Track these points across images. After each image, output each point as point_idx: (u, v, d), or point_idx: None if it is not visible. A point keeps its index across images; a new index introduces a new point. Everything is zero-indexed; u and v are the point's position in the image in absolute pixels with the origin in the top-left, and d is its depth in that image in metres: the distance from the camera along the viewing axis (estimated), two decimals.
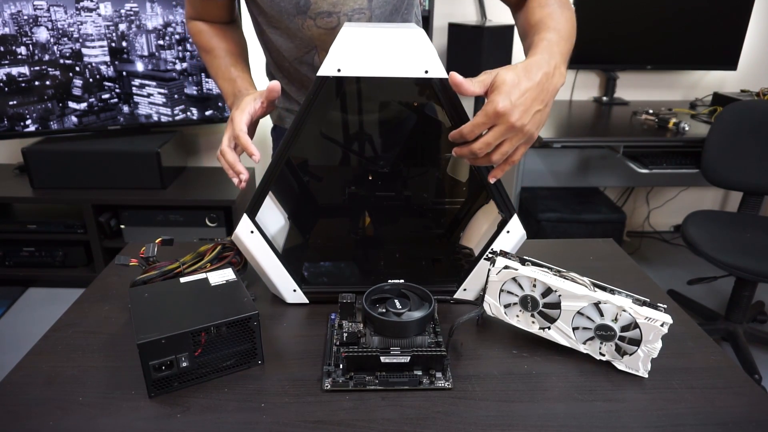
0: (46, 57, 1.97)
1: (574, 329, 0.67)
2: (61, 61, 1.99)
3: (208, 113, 2.22)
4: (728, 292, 1.93)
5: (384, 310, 0.66)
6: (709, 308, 2.09)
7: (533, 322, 0.69)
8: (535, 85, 0.64)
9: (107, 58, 2.04)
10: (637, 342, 0.64)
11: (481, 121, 0.63)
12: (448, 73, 0.66)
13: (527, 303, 0.68)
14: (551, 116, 2.27)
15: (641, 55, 2.36)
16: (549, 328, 0.68)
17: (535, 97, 0.64)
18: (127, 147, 2.08)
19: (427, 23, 2.28)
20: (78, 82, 2.04)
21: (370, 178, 0.90)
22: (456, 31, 2.20)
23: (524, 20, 0.82)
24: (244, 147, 0.75)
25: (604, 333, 0.65)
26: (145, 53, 2.08)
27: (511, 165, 0.69)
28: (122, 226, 2.16)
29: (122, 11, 2.00)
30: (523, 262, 0.69)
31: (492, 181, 0.71)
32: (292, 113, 1.07)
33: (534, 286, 0.67)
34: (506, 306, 0.70)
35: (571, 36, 0.75)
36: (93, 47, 2.01)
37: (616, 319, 0.64)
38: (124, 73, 2.08)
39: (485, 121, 0.63)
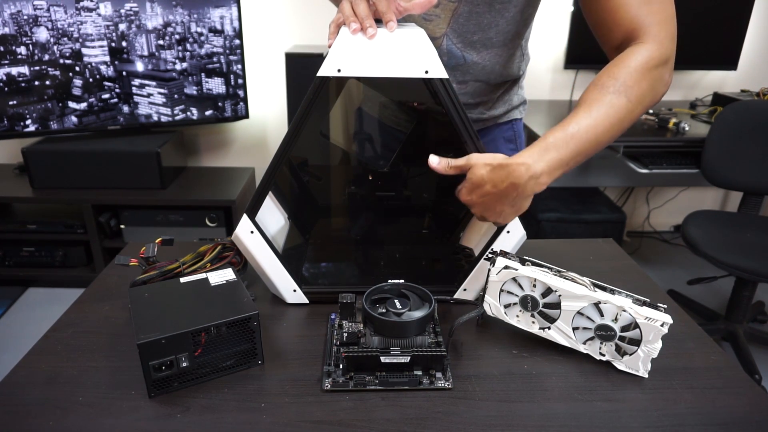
0: (46, 57, 1.97)
1: (574, 329, 0.67)
2: (61, 61, 1.99)
3: (208, 113, 2.22)
4: (728, 292, 1.93)
5: (384, 310, 0.66)
6: (709, 308, 2.09)
7: (533, 322, 0.69)
8: (499, 192, 0.67)
9: (107, 58, 2.04)
10: (637, 342, 0.64)
11: (458, 196, 0.71)
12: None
13: (527, 303, 0.68)
14: (552, 116, 2.27)
15: None
16: (549, 328, 0.68)
17: (497, 201, 0.68)
18: (127, 147, 2.08)
19: None
20: (78, 82, 2.04)
21: (370, 178, 0.90)
22: None
23: (590, 86, 0.74)
24: (382, 12, 0.68)
25: (604, 333, 0.65)
26: (145, 53, 2.08)
27: None
28: (122, 226, 2.16)
29: (122, 11, 2.00)
30: (523, 262, 0.69)
31: None
32: None
33: (534, 286, 0.67)
34: (506, 306, 0.70)
35: (597, 137, 0.69)
36: (93, 47, 2.01)
37: (616, 319, 0.64)
38: (124, 73, 2.08)
39: (464, 199, 0.70)
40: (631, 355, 0.65)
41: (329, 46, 0.71)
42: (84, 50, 2.00)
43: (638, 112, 0.73)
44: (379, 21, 0.70)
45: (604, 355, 0.67)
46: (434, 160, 0.70)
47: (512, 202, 0.68)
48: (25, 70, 1.96)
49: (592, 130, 0.69)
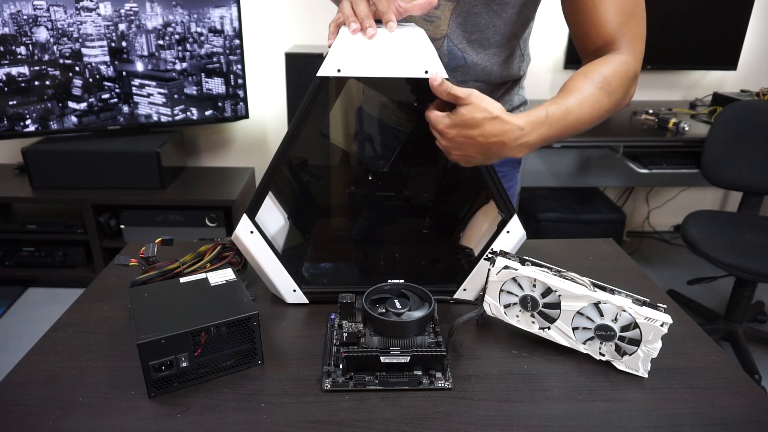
0: (46, 57, 1.97)
1: (574, 329, 0.67)
2: (61, 61, 1.99)
3: (208, 113, 2.22)
4: (728, 292, 1.93)
5: (384, 310, 0.66)
6: (709, 308, 2.09)
7: (533, 322, 0.69)
8: (483, 143, 0.66)
9: (107, 58, 2.04)
10: (637, 342, 0.64)
11: (429, 120, 0.70)
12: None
13: (527, 303, 0.68)
14: None
15: None
16: (549, 328, 0.68)
17: (474, 148, 0.67)
18: (127, 147, 2.08)
19: None
20: (78, 82, 2.04)
21: (370, 178, 0.90)
22: None
23: (571, 76, 0.77)
24: (382, 12, 0.68)
25: (604, 333, 0.65)
26: (145, 53, 2.08)
27: None
28: (122, 226, 2.16)
29: (122, 11, 2.00)
30: (523, 262, 0.69)
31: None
32: None
33: (534, 286, 0.67)
34: (506, 306, 0.70)
35: (580, 124, 0.73)
36: (93, 47, 2.01)
37: (616, 319, 0.64)
38: (124, 73, 2.08)
39: (430, 122, 0.70)
40: (630, 355, 0.65)
41: (329, 46, 0.71)
42: (84, 50, 2.00)
43: (610, 114, 0.77)
44: (379, 21, 0.70)
45: (603, 355, 0.67)
46: (437, 79, 0.67)
47: (487, 156, 0.68)
48: (25, 70, 1.96)
49: (578, 118, 0.72)
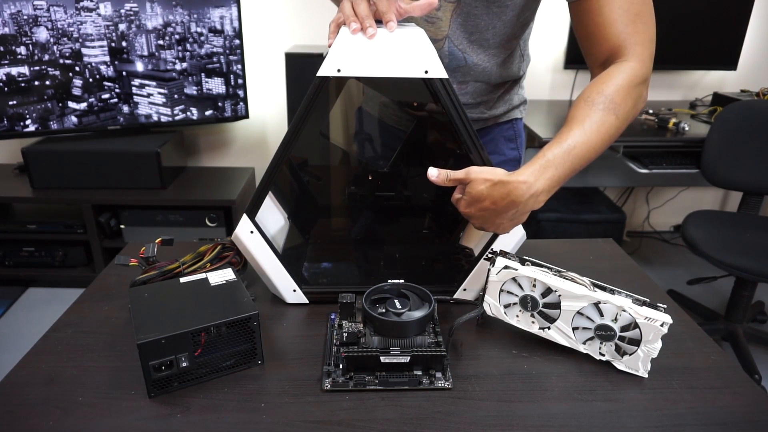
0: (46, 57, 1.97)
1: (574, 329, 0.67)
2: (61, 61, 1.99)
3: (208, 113, 2.22)
4: (728, 292, 1.93)
5: (384, 310, 0.66)
6: (709, 308, 2.09)
7: (533, 322, 0.69)
8: (498, 209, 0.67)
9: (107, 58, 2.04)
10: (636, 342, 0.64)
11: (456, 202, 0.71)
12: None
13: (527, 303, 0.68)
14: (552, 116, 2.27)
15: None
16: (549, 328, 0.68)
17: (495, 215, 0.68)
18: (127, 147, 2.08)
19: None
20: (78, 82, 2.04)
21: (370, 178, 0.90)
22: None
23: (575, 102, 0.76)
24: (383, 12, 0.68)
25: (603, 333, 0.65)
26: (145, 53, 2.08)
27: None
28: (122, 226, 2.16)
29: (122, 11, 2.00)
30: (523, 262, 0.69)
31: None
32: None
33: (534, 286, 0.67)
34: (506, 306, 0.70)
35: (590, 153, 0.72)
36: (93, 47, 2.01)
37: (615, 319, 0.64)
38: (124, 73, 2.08)
39: (463, 210, 0.70)
40: (630, 355, 0.65)
41: (329, 46, 0.71)
42: (84, 50, 2.00)
43: (623, 128, 0.75)
44: (379, 21, 0.70)
45: (603, 355, 0.67)
46: (433, 173, 0.69)
47: (511, 217, 0.69)
48: (25, 70, 1.96)
49: (586, 147, 0.71)
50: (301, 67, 2.03)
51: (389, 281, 0.71)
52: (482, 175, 0.67)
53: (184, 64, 2.12)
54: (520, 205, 0.67)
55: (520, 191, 0.66)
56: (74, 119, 2.07)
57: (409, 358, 0.63)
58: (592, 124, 0.71)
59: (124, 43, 2.04)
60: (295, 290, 0.78)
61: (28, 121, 2.02)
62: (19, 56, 1.93)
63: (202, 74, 2.16)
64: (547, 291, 0.66)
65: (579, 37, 0.82)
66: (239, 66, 2.18)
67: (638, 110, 0.77)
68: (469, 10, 0.85)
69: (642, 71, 0.76)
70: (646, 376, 0.65)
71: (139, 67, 2.09)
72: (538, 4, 0.88)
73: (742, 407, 0.61)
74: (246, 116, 2.28)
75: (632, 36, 0.76)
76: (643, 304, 0.63)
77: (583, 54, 0.83)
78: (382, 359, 0.62)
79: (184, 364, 0.60)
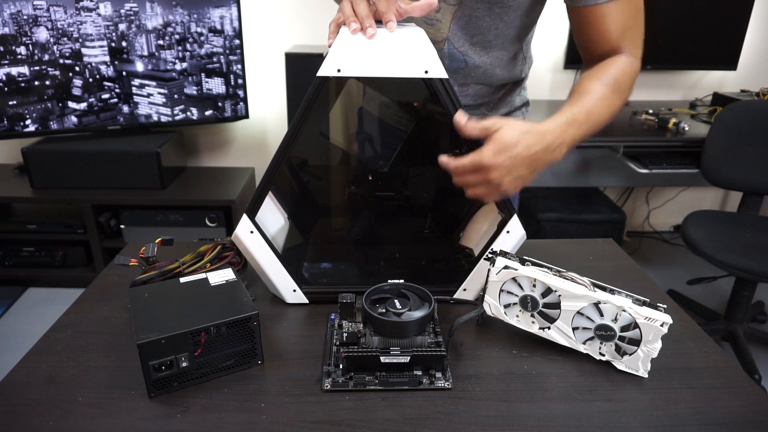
0: (46, 57, 1.97)
1: (574, 329, 0.67)
2: (61, 61, 1.99)
3: (208, 113, 2.22)
4: (728, 292, 1.93)
5: (384, 310, 0.66)
6: (709, 308, 2.09)
7: (533, 322, 0.69)
8: (529, 155, 0.67)
9: (107, 58, 2.04)
10: (636, 342, 0.64)
11: (468, 167, 0.67)
12: None
13: (527, 303, 0.68)
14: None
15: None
16: (549, 328, 0.68)
17: (523, 164, 0.67)
18: (127, 147, 2.08)
19: None
20: (78, 82, 2.04)
21: (370, 178, 0.90)
22: None
23: (581, 79, 0.82)
24: (382, 12, 0.68)
25: (603, 333, 0.65)
26: (145, 53, 2.08)
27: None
28: (122, 226, 2.16)
29: (122, 11, 2.00)
30: (523, 262, 0.69)
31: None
32: None
33: (534, 286, 0.67)
34: (506, 306, 0.70)
35: (599, 124, 0.77)
36: (93, 47, 2.01)
37: (615, 319, 0.64)
38: (124, 73, 2.08)
39: (470, 168, 0.66)
40: (630, 355, 0.65)
41: (329, 46, 0.71)
42: (84, 50, 2.00)
43: (619, 112, 0.82)
44: (379, 22, 0.70)
45: (603, 355, 0.67)
46: (462, 119, 0.67)
47: (535, 167, 0.69)
48: (25, 70, 1.96)
49: (597, 119, 0.76)
50: (301, 67, 2.03)
51: (389, 281, 0.70)
52: (513, 123, 0.67)
53: (184, 64, 2.12)
54: (548, 152, 0.68)
55: (552, 137, 0.68)
56: (74, 119, 2.07)
57: (409, 358, 0.63)
58: (603, 98, 0.77)
59: (124, 43, 2.04)
60: (295, 290, 0.78)
61: (28, 121, 2.02)
62: (19, 56, 1.93)
63: (202, 74, 2.16)
64: (547, 291, 0.66)
65: (577, 37, 0.86)
66: (239, 66, 2.18)
67: (627, 98, 0.83)
68: (470, 13, 0.85)
69: (637, 66, 0.83)
70: (646, 376, 0.65)
71: (139, 67, 2.09)
72: (543, 5, 0.88)
73: (742, 407, 0.61)
74: (246, 116, 2.28)
75: (628, 38, 0.82)
76: (643, 304, 0.63)
77: (579, 50, 0.87)
78: (382, 359, 0.62)
79: (184, 364, 0.60)
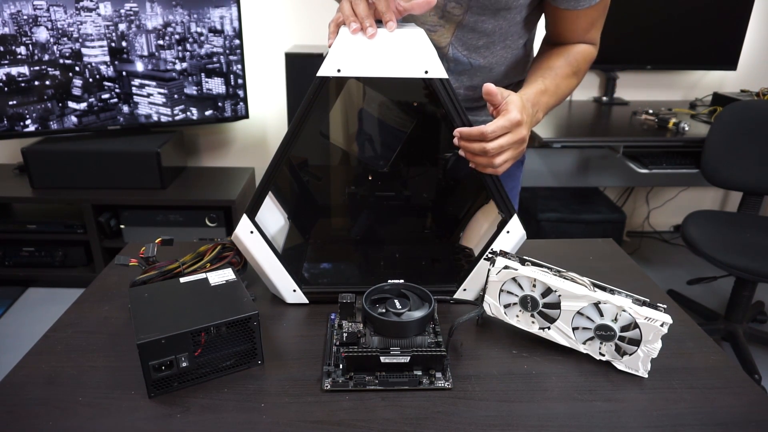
0: (46, 57, 1.97)
1: (574, 329, 0.67)
2: (61, 61, 1.99)
3: (208, 113, 2.22)
4: (728, 292, 1.93)
5: (384, 310, 0.66)
6: (709, 308, 2.09)
7: (533, 322, 0.69)
8: (527, 127, 0.72)
9: (107, 58, 2.04)
10: (636, 342, 0.64)
11: (505, 125, 0.68)
12: None
13: (527, 303, 0.68)
14: (551, 116, 2.26)
15: (641, 55, 2.36)
16: (549, 328, 0.68)
17: (518, 145, 0.71)
18: (127, 147, 2.08)
19: None
20: (78, 82, 2.04)
21: (370, 178, 0.90)
22: None
23: (548, 54, 0.90)
24: (382, 11, 0.69)
25: (603, 333, 0.65)
26: (145, 53, 2.08)
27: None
28: (122, 226, 2.16)
29: (122, 11, 2.00)
30: (522, 262, 0.69)
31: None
32: None
33: (534, 286, 0.67)
34: (506, 306, 0.70)
35: (562, 98, 0.87)
36: (93, 47, 2.01)
37: (615, 319, 0.64)
38: (124, 73, 2.08)
39: (507, 126, 0.68)
40: (630, 355, 0.65)
41: (329, 46, 0.71)
42: (84, 50, 2.00)
43: (573, 92, 0.92)
44: (379, 21, 0.70)
45: (603, 355, 0.67)
46: (493, 88, 0.69)
47: (530, 127, 0.75)
48: (25, 70, 1.96)
49: (562, 92, 0.86)
50: (301, 67, 2.03)
51: (389, 281, 0.70)
52: (513, 99, 0.70)
53: (184, 64, 2.12)
54: (531, 119, 0.74)
55: (529, 107, 0.74)
56: (74, 119, 2.07)
57: (409, 358, 0.63)
58: (568, 77, 0.87)
59: (124, 43, 2.04)
60: (295, 290, 0.78)
61: (28, 121, 2.02)
62: (19, 56, 1.93)
63: (202, 74, 2.16)
64: (547, 291, 0.66)
65: (549, 27, 0.93)
66: (239, 66, 2.18)
67: (567, 96, 0.91)
68: (476, 19, 0.86)
69: (595, 53, 0.93)
70: (646, 376, 0.65)
71: (139, 67, 2.09)
72: (543, 6, 0.89)
73: (742, 407, 0.61)
74: (246, 116, 2.28)
75: (594, 33, 0.92)
76: (643, 304, 0.63)
77: (547, 31, 0.95)
78: (382, 359, 0.62)
79: (184, 364, 0.60)
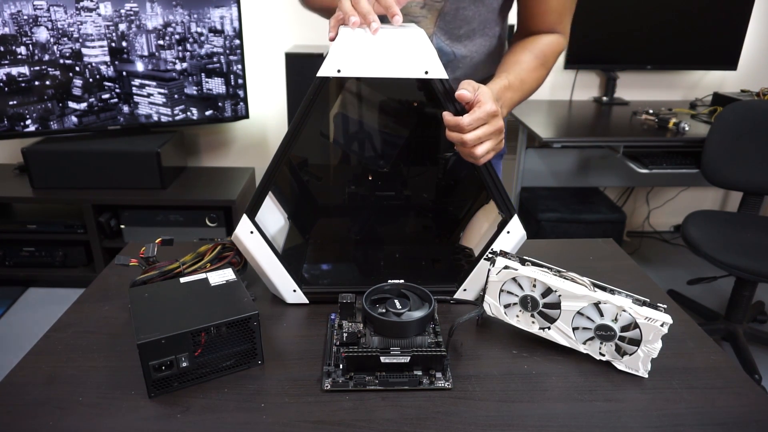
0: (46, 57, 1.97)
1: (574, 329, 0.67)
2: (61, 61, 1.99)
3: (208, 113, 2.22)
4: (728, 292, 1.93)
5: (384, 310, 0.66)
6: (709, 308, 2.09)
7: (533, 322, 0.69)
8: (501, 118, 0.73)
9: (107, 58, 2.04)
10: (637, 342, 0.64)
11: (480, 116, 0.68)
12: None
13: (527, 303, 0.68)
14: (552, 116, 2.27)
15: (641, 55, 2.36)
16: (549, 328, 0.68)
17: (496, 136, 0.72)
18: (127, 147, 2.08)
19: None
20: (78, 82, 2.04)
21: (370, 178, 0.90)
22: None
23: (513, 49, 0.93)
24: (388, 5, 0.69)
25: (604, 333, 0.65)
26: (145, 53, 2.08)
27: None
28: (122, 226, 2.16)
29: (122, 11, 2.00)
30: (523, 262, 0.69)
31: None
32: None
33: (534, 286, 0.67)
34: (506, 306, 0.70)
35: (530, 92, 0.89)
36: (93, 47, 2.01)
37: (616, 319, 0.64)
38: (124, 73, 2.08)
39: (483, 117, 0.68)
40: (631, 355, 0.65)
41: (331, 40, 0.71)
42: (84, 50, 2.00)
43: (543, 83, 0.93)
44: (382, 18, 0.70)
45: (604, 355, 0.67)
46: (466, 95, 0.69)
47: (503, 130, 0.75)
48: (25, 70, 1.96)
49: (529, 86, 0.88)
50: (301, 67, 2.03)
51: (389, 281, 0.70)
52: (485, 90, 0.71)
53: (184, 64, 2.13)
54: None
55: (496, 98, 0.75)
56: (74, 119, 2.08)
57: (409, 358, 0.63)
58: (533, 69, 0.89)
59: (124, 43, 2.04)
60: (295, 290, 0.78)
61: (28, 121, 2.02)
62: (19, 56, 1.93)
63: (202, 74, 2.16)
64: (547, 291, 0.66)
65: (520, 14, 0.96)
66: (239, 66, 2.18)
67: (550, 70, 0.94)
68: (457, 5, 0.89)
69: (564, 44, 0.95)
70: (646, 376, 0.65)
71: (139, 67, 2.09)
72: None
73: (742, 407, 0.61)
74: (246, 116, 2.28)
75: (565, 21, 0.94)
76: (643, 304, 0.63)
77: (519, 22, 0.97)
78: (382, 359, 0.62)
79: (184, 364, 0.60)
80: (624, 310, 0.63)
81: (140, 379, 0.60)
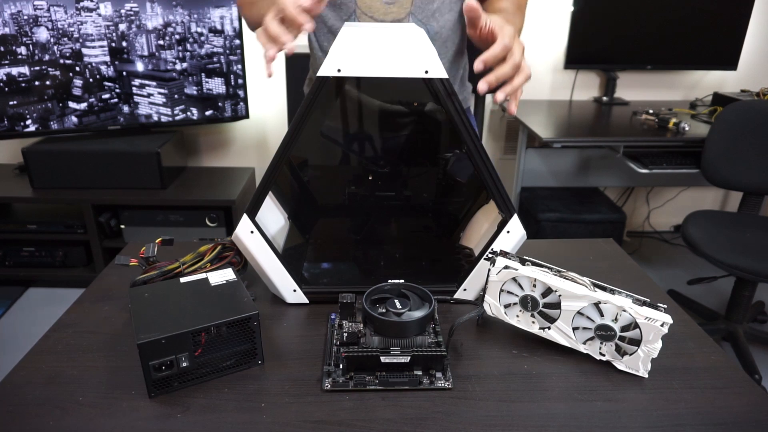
0: (46, 57, 1.97)
1: (574, 329, 0.67)
2: (61, 61, 1.99)
3: (208, 113, 2.22)
4: (728, 292, 1.93)
5: (384, 310, 0.66)
6: (709, 308, 2.09)
7: (533, 322, 0.69)
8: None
9: (107, 58, 2.04)
10: (637, 342, 0.64)
11: (508, 44, 0.73)
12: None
13: (527, 303, 0.68)
14: (552, 116, 2.27)
15: (641, 55, 2.36)
16: (549, 328, 0.68)
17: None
18: (127, 147, 2.08)
19: None
20: (78, 82, 2.04)
21: (370, 178, 0.90)
22: None
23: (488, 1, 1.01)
24: (292, 17, 0.71)
25: (604, 333, 0.65)
26: (145, 53, 2.08)
27: (516, 98, 0.78)
28: (122, 226, 2.17)
29: (122, 11, 2.00)
30: (523, 262, 0.69)
31: (514, 112, 0.78)
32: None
33: (534, 286, 0.67)
34: (506, 306, 0.70)
35: (520, 21, 0.99)
36: (93, 47, 2.01)
37: (616, 319, 0.64)
38: (124, 73, 2.08)
39: (509, 44, 0.73)
40: (631, 355, 0.65)
41: (269, 76, 0.72)
42: (84, 50, 2.00)
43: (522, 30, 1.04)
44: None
45: (604, 355, 0.67)
46: (475, 5, 0.74)
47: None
48: (25, 70, 1.96)
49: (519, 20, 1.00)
50: (301, 67, 2.03)
51: (389, 281, 0.70)
52: (495, 18, 0.76)
53: (184, 64, 2.13)
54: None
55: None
56: (74, 119, 2.08)
57: (409, 358, 0.63)
58: (515, 15, 0.98)
59: (124, 43, 2.04)
60: (295, 290, 0.78)
61: (28, 121, 2.02)
62: (20, 56, 1.93)
63: (202, 74, 2.16)
64: (548, 291, 0.66)
65: None
66: (239, 66, 2.18)
67: (524, 16, 1.03)
68: None
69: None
70: (646, 376, 0.65)
71: (140, 67, 2.09)
72: None
73: (742, 407, 0.61)
74: (246, 116, 2.28)
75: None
76: (644, 304, 0.63)
77: None
78: (383, 359, 0.62)
79: (184, 364, 0.60)
80: (624, 310, 0.63)
81: (140, 379, 0.60)
